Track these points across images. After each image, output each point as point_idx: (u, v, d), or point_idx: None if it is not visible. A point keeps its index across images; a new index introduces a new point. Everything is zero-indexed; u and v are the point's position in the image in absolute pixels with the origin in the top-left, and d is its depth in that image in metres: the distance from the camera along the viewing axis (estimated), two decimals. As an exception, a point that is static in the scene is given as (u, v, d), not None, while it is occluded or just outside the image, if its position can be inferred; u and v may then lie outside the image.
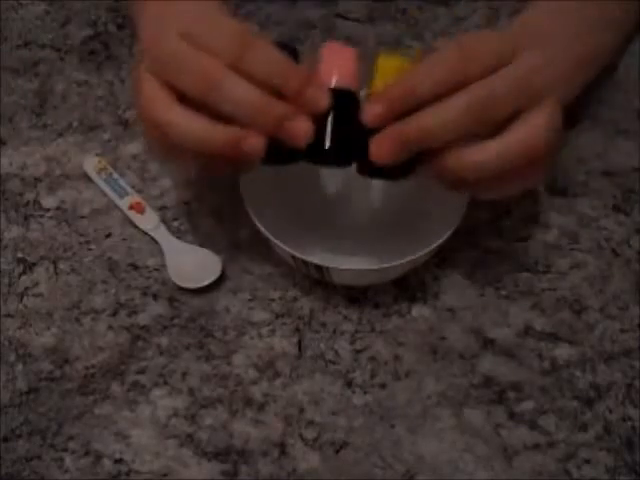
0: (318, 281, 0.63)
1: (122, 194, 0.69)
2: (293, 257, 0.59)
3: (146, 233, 0.67)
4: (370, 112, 0.52)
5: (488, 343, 0.61)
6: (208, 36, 0.52)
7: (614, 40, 0.69)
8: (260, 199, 0.61)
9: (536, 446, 0.57)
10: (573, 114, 0.72)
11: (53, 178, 0.71)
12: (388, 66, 0.53)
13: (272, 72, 0.51)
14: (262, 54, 0.51)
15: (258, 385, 0.60)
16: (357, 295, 0.64)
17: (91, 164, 0.71)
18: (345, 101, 0.53)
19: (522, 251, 0.66)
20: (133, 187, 0.69)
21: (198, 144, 0.52)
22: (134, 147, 0.72)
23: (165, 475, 0.57)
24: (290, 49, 0.54)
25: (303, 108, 0.52)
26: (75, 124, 0.74)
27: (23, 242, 0.67)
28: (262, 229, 0.60)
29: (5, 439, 0.58)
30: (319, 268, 0.60)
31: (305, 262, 0.59)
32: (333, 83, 0.53)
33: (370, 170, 0.54)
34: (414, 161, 0.53)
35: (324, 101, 0.52)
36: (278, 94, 0.52)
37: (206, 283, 0.64)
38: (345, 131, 0.53)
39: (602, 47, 0.68)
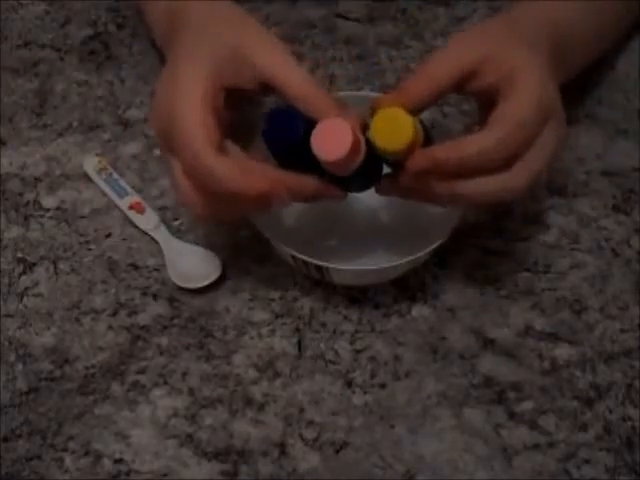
0: (318, 281, 0.63)
1: (122, 194, 0.69)
2: (293, 257, 0.59)
3: (146, 233, 0.67)
4: (414, 168, 0.54)
5: (488, 343, 0.61)
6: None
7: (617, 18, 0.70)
8: None
9: (536, 446, 0.57)
10: (572, 114, 0.72)
11: (53, 178, 0.71)
12: (383, 142, 0.53)
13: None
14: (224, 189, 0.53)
15: (258, 385, 0.60)
16: (357, 295, 0.64)
17: (91, 164, 0.71)
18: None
19: (522, 251, 0.66)
20: (133, 187, 0.69)
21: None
22: (134, 147, 0.72)
23: (165, 475, 0.57)
24: (290, 115, 0.54)
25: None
26: (75, 124, 0.74)
27: (23, 242, 0.67)
28: (262, 229, 0.60)
29: (5, 439, 0.58)
30: (319, 268, 0.60)
31: (305, 262, 0.59)
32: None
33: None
34: None
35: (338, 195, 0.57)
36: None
37: (206, 283, 0.64)
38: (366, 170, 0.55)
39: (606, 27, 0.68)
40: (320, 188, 0.56)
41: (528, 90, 0.54)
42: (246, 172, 0.54)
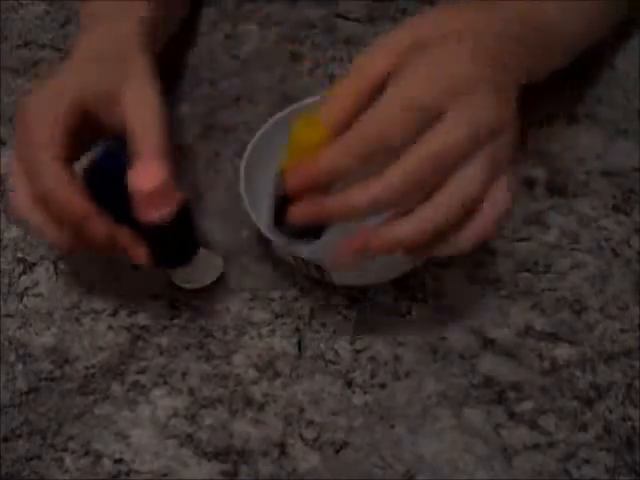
0: (318, 281, 0.63)
1: (122, 194, 0.69)
2: (293, 257, 0.59)
3: (146, 233, 0.67)
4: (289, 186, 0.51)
5: (488, 343, 0.61)
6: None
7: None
8: (260, 199, 0.61)
9: (536, 446, 0.57)
10: (573, 114, 0.72)
11: (53, 178, 0.71)
12: (299, 135, 0.51)
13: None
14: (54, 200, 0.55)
15: (258, 385, 0.60)
16: (357, 295, 0.64)
17: (91, 164, 0.71)
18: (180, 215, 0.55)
19: (522, 251, 0.66)
20: (133, 187, 0.69)
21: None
22: (134, 147, 0.72)
23: (165, 475, 0.57)
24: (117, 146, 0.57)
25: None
26: (75, 124, 0.74)
27: (23, 242, 0.67)
28: (262, 229, 0.60)
29: (5, 439, 0.58)
30: (319, 268, 0.60)
31: (305, 262, 0.59)
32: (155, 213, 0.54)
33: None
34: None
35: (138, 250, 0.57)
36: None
37: (206, 283, 0.64)
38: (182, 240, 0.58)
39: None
40: (127, 237, 0.56)
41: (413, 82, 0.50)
42: (74, 191, 0.55)
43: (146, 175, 0.53)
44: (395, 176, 0.49)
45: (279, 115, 0.65)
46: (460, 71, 0.51)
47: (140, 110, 0.57)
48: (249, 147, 0.63)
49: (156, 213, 0.54)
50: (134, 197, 0.53)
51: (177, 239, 0.57)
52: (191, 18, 0.78)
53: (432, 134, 0.49)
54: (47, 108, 0.57)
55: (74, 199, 0.55)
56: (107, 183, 0.56)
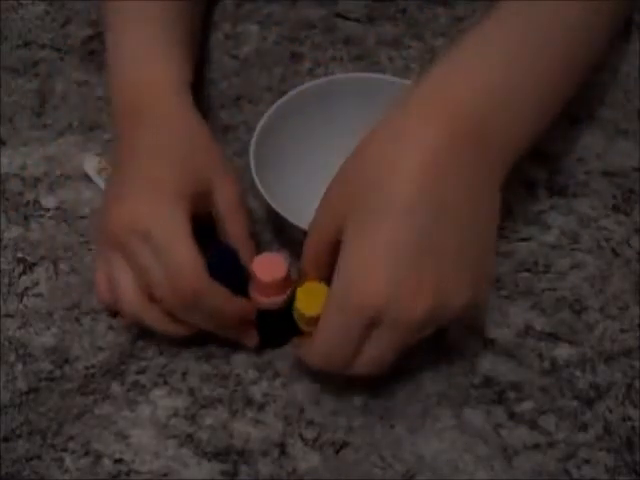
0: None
1: (122, 194, 0.69)
2: (305, 233, 0.59)
3: (146, 233, 0.67)
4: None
5: (488, 343, 0.61)
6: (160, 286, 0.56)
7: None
8: (272, 183, 0.62)
9: (536, 446, 0.57)
10: (573, 114, 0.72)
11: (53, 178, 0.71)
12: (301, 308, 0.56)
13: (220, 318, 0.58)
14: (208, 305, 0.57)
15: (258, 385, 0.60)
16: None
17: (91, 164, 0.71)
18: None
19: (522, 251, 0.66)
20: (133, 187, 0.69)
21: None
22: (134, 147, 0.72)
23: (165, 475, 0.57)
24: (231, 254, 0.60)
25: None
26: (75, 124, 0.74)
27: (23, 242, 0.67)
28: (274, 206, 0.60)
29: (5, 439, 0.58)
30: None
31: None
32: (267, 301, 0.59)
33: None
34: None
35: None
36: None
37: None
38: (278, 329, 0.61)
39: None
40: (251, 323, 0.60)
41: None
42: (224, 294, 0.57)
43: (270, 267, 0.57)
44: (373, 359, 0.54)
45: (281, 101, 0.66)
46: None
47: (231, 212, 0.61)
48: (254, 139, 0.63)
49: (271, 300, 0.58)
50: (256, 284, 0.58)
51: (282, 323, 0.59)
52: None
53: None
54: (172, 225, 0.57)
55: (232, 304, 0.58)
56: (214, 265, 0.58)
